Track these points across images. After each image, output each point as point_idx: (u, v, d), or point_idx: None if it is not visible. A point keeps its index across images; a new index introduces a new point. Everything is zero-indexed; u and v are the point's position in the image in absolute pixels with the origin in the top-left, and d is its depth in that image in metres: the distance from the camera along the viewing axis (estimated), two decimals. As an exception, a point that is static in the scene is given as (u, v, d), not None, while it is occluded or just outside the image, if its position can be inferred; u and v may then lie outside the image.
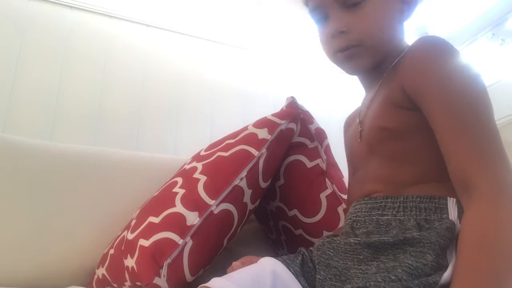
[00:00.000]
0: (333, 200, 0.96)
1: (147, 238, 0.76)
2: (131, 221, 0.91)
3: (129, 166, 1.19)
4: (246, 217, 0.88)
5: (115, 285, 0.86)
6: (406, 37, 0.76)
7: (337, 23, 0.71)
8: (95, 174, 1.13)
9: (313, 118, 1.03)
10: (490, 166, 0.56)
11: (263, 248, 1.16)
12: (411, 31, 0.80)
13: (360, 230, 0.67)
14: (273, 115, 0.96)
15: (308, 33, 1.91)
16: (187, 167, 0.93)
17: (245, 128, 0.95)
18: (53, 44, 1.53)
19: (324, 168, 0.99)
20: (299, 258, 0.71)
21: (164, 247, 0.74)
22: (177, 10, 1.79)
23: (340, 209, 0.96)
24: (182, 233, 0.75)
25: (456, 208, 0.60)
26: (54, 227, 1.03)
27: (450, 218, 0.59)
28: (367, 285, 0.55)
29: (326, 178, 0.98)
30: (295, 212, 0.96)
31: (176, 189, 0.85)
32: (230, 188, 0.82)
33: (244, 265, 0.70)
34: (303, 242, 0.95)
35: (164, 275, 0.72)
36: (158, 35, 1.73)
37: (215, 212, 0.79)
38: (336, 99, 2.01)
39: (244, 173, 0.84)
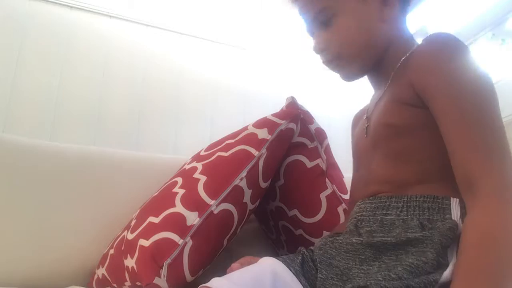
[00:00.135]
0: (333, 200, 0.96)
1: (147, 238, 0.76)
2: (131, 221, 0.91)
3: (129, 166, 1.19)
4: (246, 217, 0.88)
5: (115, 285, 0.86)
6: (405, 31, 0.75)
7: (317, 41, 0.77)
8: (95, 174, 1.13)
9: (313, 118, 1.03)
10: (495, 165, 0.55)
11: (263, 248, 1.16)
12: (411, 31, 0.80)
13: (364, 229, 0.67)
14: (273, 115, 0.96)
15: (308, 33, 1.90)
16: (187, 167, 0.93)
17: (245, 128, 0.95)
18: (53, 44, 1.53)
19: (324, 168, 0.98)
20: (299, 257, 0.71)
21: (164, 247, 0.74)
22: (177, 10, 1.79)
23: (340, 209, 0.96)
24: (182, 233, 0.75)
25: (459, 209, 0.60)
26: (54, 227, 1.03)
27: (453, 218, 0.59)
28: (368, 283, 0.55)
29: (326, 178, 0.98)
30: (295, 212, 0.96)
31: (176, 189, 0.85)
32: (230, 188, 0.82)
33: (243, 266, 0.70)
34: (303, 242, 0.95)
35: (164, 275, 0.72)
36: (158, 35, 1.73)
37: (215, 212, 0.79)
38: (336, 99, 2.02)
39: (244, 173, 0.84)
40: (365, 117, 0.78)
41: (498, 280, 0.50)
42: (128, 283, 0.81)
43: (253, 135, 0.91)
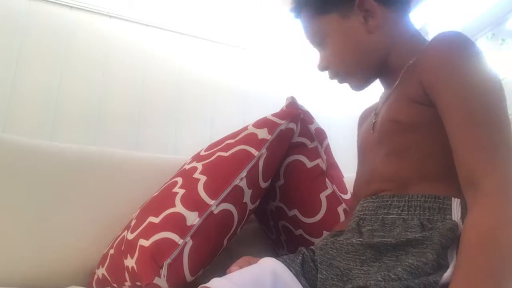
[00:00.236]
0: (333, 200, 0.96)
1: (147, 238, 0.76)
2: (131, 221, 0.91)
3: (129, 166, 1.19)
4: (246, 217, 0.88)
5: (115, 285, 0.86)
6: (406, 31, 0.75)
7: (319, 61, 0.81)
8: (95, 174, 1.13)
9: (313, 118, 1.03)
10: (498, 165, 0.55)
11: (263, 248, 1.16)
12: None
13: (365, 228, 0.67)
14: (273, 115, 0.96)
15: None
16: (187, 167, 0.93)
17: (245, 128, 0.95)
18: (53, 44, 1.53)
19: (324, 168, 0.98)
20: (300, 257, 0.71)
21: (164, 247, 0.74)
22: (177, 10, 1.79)
23: (340, 209, 0.96)
24: (182, 233, 0.75)
25: (460, 209, 0.60)
26: (54, 227, 1.03)
27: (454, 218, 0.59)
28: (368, 284, 0.55)
29: (326, 178, 0.98)
30: (295, 212, 0.96)
31: (176, 189, 0.85)
32: (230, 188, 0.82)
33: (241, 268, 0.70)
34: (303, 242, 0.95)
35: (164, 275, 0.72)
36: (158, 35, 1.73)
37: (215, 212, 0.79)
38: (336, 99, 2.01)
39: (244, 173, 0.84)
40: (373, 114, 0.79)
41: (498, 280, 0.50)
42: (128, 283, 0.81)
43: (253, 135, 0.91)
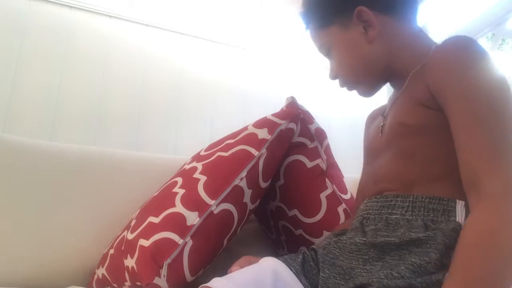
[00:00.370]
0: (333, 200, 0.96)
1: (147, 238, 0.76)
2: (131, 221, 0.91)
3: (129, 166, 1.19)
4: (246, 217, 0.88)
5: (115, 285, 0.86)
6: (411, 36, 0.76)
7: (329, 71, 0.84)
8: (95, 174, 1.13)
9: (313, 118, 1.03)
10: (500, 166, 0.55)
11: (263, 248, 1.16)
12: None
13: (369, 227, 0.67)
14: (273, 115, 0.96)
15: (308, 34, 1.90)
16: (187, 167, 0.93)
17: (245, 128, 0.95)
18: (53, 44, 1.53)
19: (324, 168, 0.98)
20: (300, 257, 0.71)
21: (164, 247, 0.74)
22: (177, 10, 1.78)
23: (340, 209, 0.96)
24: (182, 233, 0.75)
25: (464, 212, 0.60)
26: (54, 227, 1.03)
27: (457, 220, 0.60)
28: (370, 281, 0.55)
29: (326, 178, 0.98)
30: (295, 212, 0.96)
31: (176, 189, 0.85)
32: (230, 188, 0.82)
33: (242, 268, 0.70)
34: (303, 242, 0.95)
35: (164, 275, 0.72)
36: (158, 35, 1.72)
37: (215, 212, 0.79)
38: (336, 99, 2.01)
39: (244, 173, 0.84)
40: (381, 116, 0.80)
41: (498, 281, 0.49)
42: (128, 283, 0.81)
43: (253, 135, 0.91)
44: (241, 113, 1.81)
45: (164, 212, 0.80)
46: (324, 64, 1.91)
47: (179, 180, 0.88)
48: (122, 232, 0.92)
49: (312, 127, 1.01)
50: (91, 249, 1.02)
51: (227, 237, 0.83)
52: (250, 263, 0.71)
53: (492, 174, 0.55)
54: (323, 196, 0.95)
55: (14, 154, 1.07)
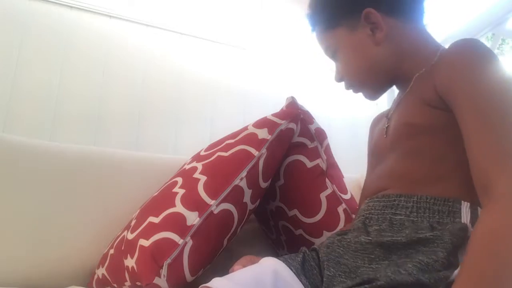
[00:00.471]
0: (333, 200, 0.96)
1: (147, 238, 0.76)
2: (131, 221, 0.91)
3: (129, 166, 1.19)
4: (246, 217, 0.88)
5: (115, 285, 0.86)
6: (418, 39, 0.76)
7: (335, 73, 0.84)
8: (95, 174, 1.13)
9: (313, 118, 1.03)
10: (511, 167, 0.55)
11: (263, 248, 1.16)
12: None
13: (372, 227, 0.67)
14: (273, 115, 0.96)
15: (308, 34, 1.91)
16: (187, 167, 0.93)
17: (245, 128, 0.95)
18: (53, 43, 1.53)
19: (324, 168, 0.98)
20: (300, 256, 0.71)
21: (164, 247, 0.74)
22: (177, 10, 1.78)
23: (340, 209, 0.96)
24: (182, 233, 0.75)
25: (469, 213, 0.60)
26: (54, 227, 1.03)
27: (463, 222, 0.60)
28: (377, 276, 0.55)
29: (326, 178, 0.98)
30: (295, 212, 0.96)
31: (176, 189, 0.85)
32: (230, 188, 0.82)
33: (244, 267, 0.70)
34: (303, 242, 0.95)
35: (164, 275, 0.72)
36: (158, 35, 1.72)
37: (215, 212, 0.79)
38: (336, 99, 2.01)
39: (244, 173, 0.84)
40: (385, 118, 0.80)
41: (506, 281, 0.49)
42: (128, 283, 0.81)
43: (253, 135, 0.91)
44: (241, 113, 1.81)
45: (164, 212, 0.80)
46: (323, 64, 1.91)
47: (179, 180, 0.88)
48: (122, 232, 0.92)
49: (312, 127, 1.01)
50: (91, 249, 1.02)
51: (227, 237, 0.83)
52: (252, 262, 0.71)
53: (503, 174, 0.55)
54: (323, 196, 0.95)
55: (14, 154, 1.07)
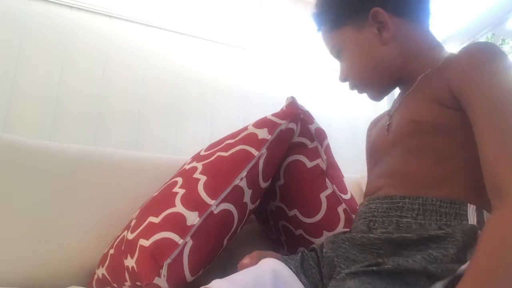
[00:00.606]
0: (333, 200, 0.96)
1: (147, 238, 0.76)
2: (131, 221, 0.91)
3: (129, 166, 1.19)
4: (246, 217, 0.88)
5: (115, 285, 0.86)
6: (424, 41, 0.76)
7: (340, 72, 0.83)
8: (95, 174, 1.13)
9: (313, 118, 1.03)
10: None
11: (263, 248, 1.16)
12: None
13: (378, 230, 0.66)
14: (273, 115, 0.96)
15: (308, 33, 1.91)
16: (187, 167, 0.93)
17: (245, 128, 0.95)
18: (53, 44, 1.53)
19: (324, 168, 0.98)
20: (299, 255, 0.71)
21: (164, 247, 0.74)
22: (177, 10, 1.78)
23: (340, 209, 0.96)
24: (182, 233, 0.75)
25: (476, 216, 0.60)
26: (54, 227, 1.03)
27: (470, 223, 0.60)
28: (385, 261, 0.56)
29: (326, 178, 0.98)
30: (295, 212, 0.96)
31: (176, 189, 0.85)
32: (230, 188, 0.82)
33: (253, 260, 0.72)
34: (303, 242, 0.95)
35: (164, 275, 0.72)
36: (158, 35, 1.73)
37: (215, 212, 0.79)
38: (336, 99, 2.01)
39: (244, 173, 0.84)
40: (387, 116, 0.80)
41: (502, 283, 0.49)
42: (128, 283, 0.81)
43: (253, 135, 0.91)
44: (241, 113, 1.81)
45: (164, 212, 0.80)
46: (323, 64, 1.91)
47: (179, 180, 0.88)
48: (122, 232, 0.92)
49: (312, 127, 1.01)
50: (91, 249, 1.02)
51: (227, 237, 0.83)
52: (260, 257, 0.72)
53: None
54: (323, 196, 0.95)
55: (14, 154, 1.07)
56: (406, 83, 0.77)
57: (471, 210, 0.60)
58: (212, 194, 0.81)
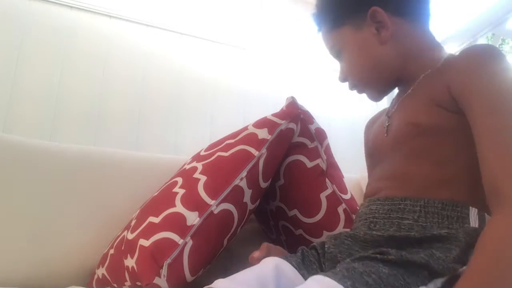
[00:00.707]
0: (333, 200, 0.96)
1: (147, 238, 0.76)
2: (131, 221, 0.91)
3: (129, 166, 1.19)
4: (246, 217, 0.88)
5: (115, 285, 0.86)
6: (423, 42, 0.76)
7: (339, 72, 0.83)
8: (95, 174, 1.13)
9: (313, 118, 1.03)
10: None
11: (263, 248, 1.16)
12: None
13: (379, 232, 0.66)
14: (273, 115, 0.96)
15: (308, 34, 1.91)
16: (187, 167, 0.93)
17: (245, 128, 0.95)
18: (53, 43, 1.53)
19: (324, 168, 0.98)
20: (299, 252, 0.71)
21: (164, 247, 0.74)
22: (177, 10, 1.78)
23: (340, 209, 0.96)
24: (182, 233, 0.75)
25: (477, 220, 0.60)
26: (54, 227, 1.03)
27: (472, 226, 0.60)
28: (389, 251, 0.56)
29: (326, 178, 0.98)
30: (295, 212, 0.96)
31: (176, 189, 0.85)
32: (230, 188, 0.82)
33: (263, 254, 0.72)
34: (303, 242, 0.95)
35: (164, 275, 0.72)
36: (158, 35, 1.73)
37: (215, 212, 0.79)
38: (336, 99, 2.01)
39: (244, 173, 0.84)
40: (385, 116, 0.79)
41: (499, 285, 0.49)
42: (128, 283, 0.81)
43: (253, 135, 0.91)
44: (241, 113, 1.81)
45: (164, 212, 0.80)
46: (323, 64, 1.91)
47: (179, 180, 0.88)
48: (122, 232, 0.92)
49: (312, 127, 1.01)
50: (91, 249, 1.02)
51: (227, 237, 0.83)
52: (269, 250, 0.73)
53: None
54: (323, 196, 0.95)
55: (14, 154, 1.07)
56: (405, 83, 0.76)
57: (473, 213, 0.60)
58: (212, 194, 0.81)
